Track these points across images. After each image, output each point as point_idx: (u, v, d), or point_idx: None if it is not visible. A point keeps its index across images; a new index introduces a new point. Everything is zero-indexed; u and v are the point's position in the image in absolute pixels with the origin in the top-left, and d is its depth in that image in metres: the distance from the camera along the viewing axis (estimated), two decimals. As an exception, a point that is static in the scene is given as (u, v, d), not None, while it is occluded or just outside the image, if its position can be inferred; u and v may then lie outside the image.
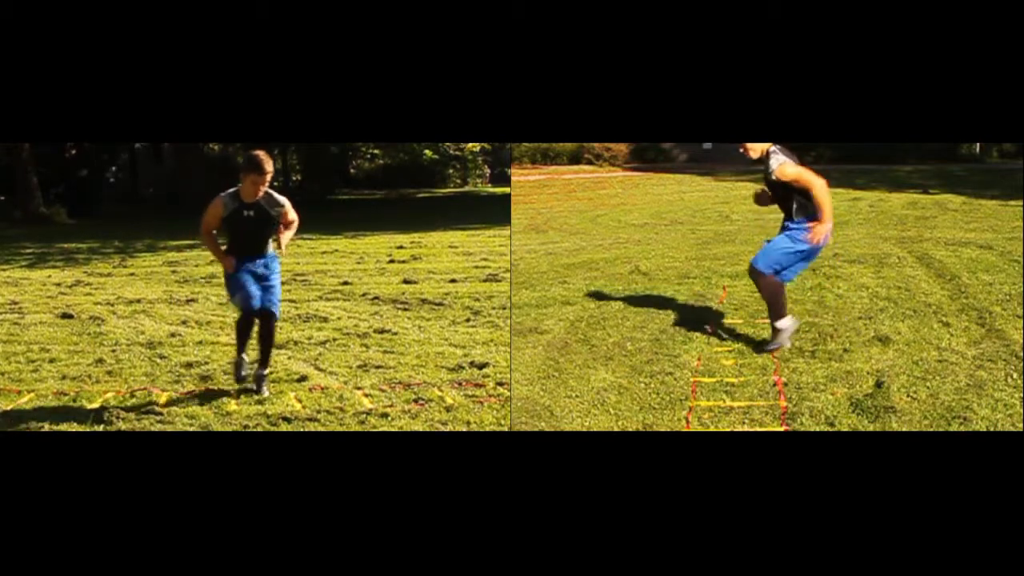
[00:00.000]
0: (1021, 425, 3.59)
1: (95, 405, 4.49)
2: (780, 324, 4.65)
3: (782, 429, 3.71)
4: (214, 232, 4.55)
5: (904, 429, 3.67)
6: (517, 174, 17.99)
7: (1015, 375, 4.10)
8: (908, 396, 3.92)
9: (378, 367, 5.13)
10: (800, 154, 4.52)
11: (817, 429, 3.71)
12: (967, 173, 15.96)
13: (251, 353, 4.82)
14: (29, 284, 8.89)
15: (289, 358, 5.40)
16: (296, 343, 5.77)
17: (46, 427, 4.22)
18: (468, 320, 6.43)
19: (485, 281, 8.13)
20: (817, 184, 4.41)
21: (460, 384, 4.72)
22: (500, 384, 4.68)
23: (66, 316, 7.02)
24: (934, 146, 17.75)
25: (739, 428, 3.76)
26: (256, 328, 4.59)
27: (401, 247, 11.14)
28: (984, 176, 15.38)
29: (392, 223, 13.63)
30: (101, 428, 4.20)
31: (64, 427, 4.21)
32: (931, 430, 3.63)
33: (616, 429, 3.79)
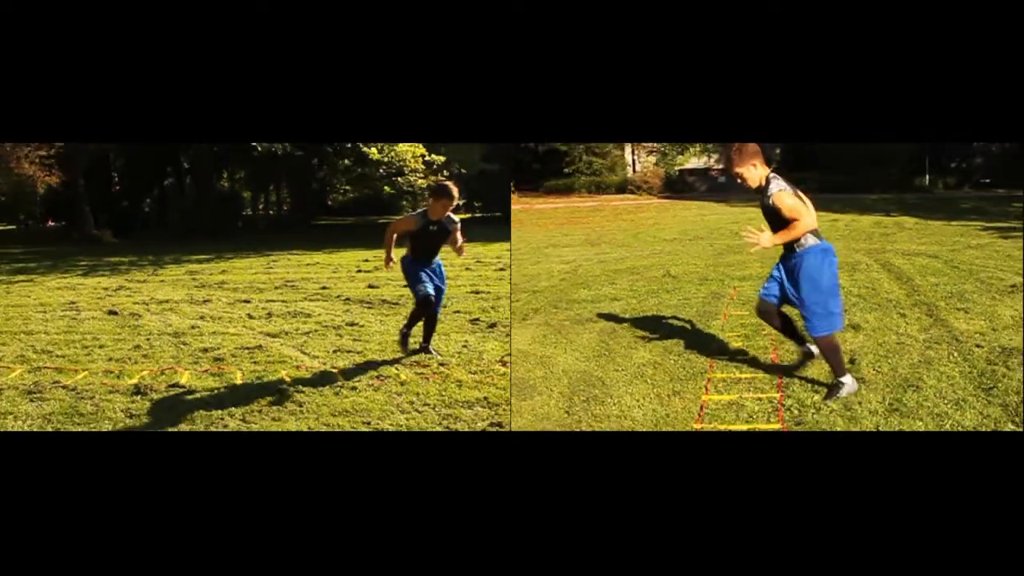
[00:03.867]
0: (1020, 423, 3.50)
1: (133, 381, 4.84)
2: (843, 379, 3.93)
3: (778, 422, 3.72)
4: (393, 237, 5.07)
5: (871, 395, 3.86)
6: (578, 202, 20.18)
7: (955, 354, 4.43)
8: (874, 370, 4.24)
9: (349, 351, 5.51)
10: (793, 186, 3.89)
11: (804, 392, 3.94)
12: (919, 200, 17.49)
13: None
14: (83, 288, 9.53)
15: (282, 344, 5.78)
16: (287, 333, 6.21)
17: (96, 398, 4.45)
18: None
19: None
20: (804, 220, 3.77)
21: (411, 365, 5.04)
22: (501, 363, 4.83)
23: (112, 313, 7.49)
24: (894, 179, 19.92)
25: (746, 394, 4.00)
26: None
27: (367, 260, 11.97)
28: (932, 203, 16.59)
29: (360, 242, 14.83)
30: (139, 399, 4.45)
31: (110, 399, 4.47)
32: (931, 430, 3.44)
33: (652, 395, 4.04)
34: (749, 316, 5.58)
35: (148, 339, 6.13)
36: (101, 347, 5.87)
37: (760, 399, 3.90)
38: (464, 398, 4.24)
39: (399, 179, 15.31)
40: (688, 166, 24.45)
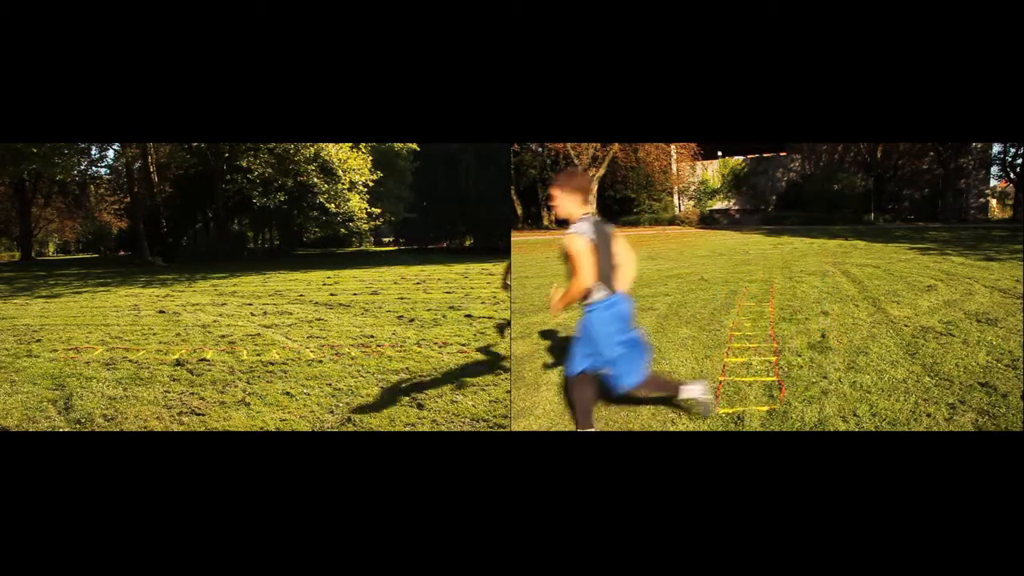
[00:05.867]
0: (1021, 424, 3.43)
1: (175, 356, 5.94)
2: (688, 389, 3.47)
3: (775, 376, 4.31)
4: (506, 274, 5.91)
5: (836, 358, 4.47)
6: (642, 230, 26.37)
7: (892, 332, 5.54)
8: (837, 342, 5.23)
9: (316, 338, 6.77)
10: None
11: (792, 356, 4.69)
12: (867, 230, 22.18)
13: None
14: (142, 295, 11.69)
15: (273, 332, 7.22)
16: (276, 325, 7.80)
17: (151, 368, 5.28)
18: (363, 313, 8.63)
19: (372, 294, 10.83)
20: (580, 274, 3.05)
21: (358, 346, 6.21)
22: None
23: (161, 312, 9.21)
24: (850, 216, 27.22)
25: (753, 357, 4.74)
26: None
27: (329, 277, 15.03)
28: (876, 232, 21.08)
29: (324, 266, 18.71)
30: (179, 369, 5.31)
31: (160, 368, 5.31)
32: (932, 430, 3.27)
33: (691, 358, 4.81)
34: (755, 306, 7.32)
35: (185, 329, 7.52)
36: (154, 334, 7.23)
37: (762, 360, 4.82)
38: (392, 367, 5.25)
39: (350, 223, 21.64)
40: (716, 207, 32.32)
